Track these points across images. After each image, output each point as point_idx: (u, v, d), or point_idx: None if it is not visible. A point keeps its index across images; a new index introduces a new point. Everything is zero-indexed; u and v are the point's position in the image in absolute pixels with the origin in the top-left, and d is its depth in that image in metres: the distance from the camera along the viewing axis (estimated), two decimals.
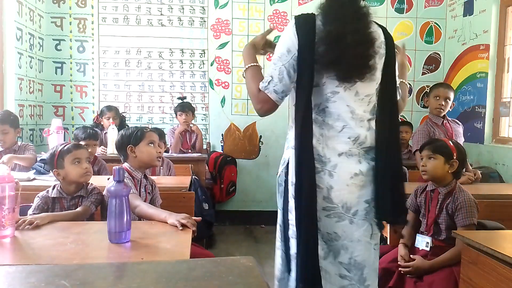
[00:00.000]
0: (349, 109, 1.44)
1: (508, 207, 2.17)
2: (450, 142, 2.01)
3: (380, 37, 1.48)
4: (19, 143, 2.89)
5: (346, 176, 1.43)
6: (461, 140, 2.85)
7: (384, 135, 1.48)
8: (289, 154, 1.50)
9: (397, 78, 1.57)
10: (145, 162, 1.96)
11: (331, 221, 1.44)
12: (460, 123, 2.96)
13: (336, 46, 1.38)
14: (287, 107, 1.69)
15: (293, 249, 1.48)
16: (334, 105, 1.44)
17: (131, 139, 1.94)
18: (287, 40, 1.49)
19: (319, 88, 1.45)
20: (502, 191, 2.46)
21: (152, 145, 1.97)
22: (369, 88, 1.47)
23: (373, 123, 1.50)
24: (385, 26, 1.56)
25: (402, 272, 1.87)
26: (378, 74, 1.47)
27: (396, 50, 1.60)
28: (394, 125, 1.52)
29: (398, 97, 1.60)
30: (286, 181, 1.50)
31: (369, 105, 1.49)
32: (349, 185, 1.43)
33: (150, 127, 3.01)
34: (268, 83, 1.53)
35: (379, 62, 1.46)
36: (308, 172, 1.40)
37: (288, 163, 1.50)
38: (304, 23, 1.45)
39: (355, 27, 1.40)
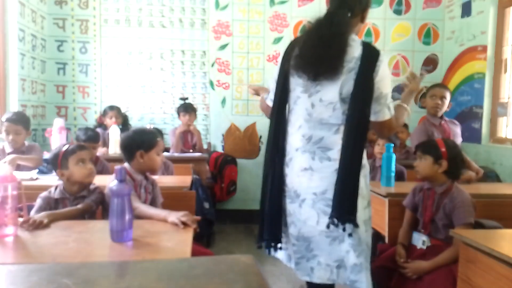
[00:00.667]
0: (307, 112, 1.68)
1: (506, 207, 2.19)
2: (443, 142, 2.01)
3: (354, 53, 1.62)
4: (26, 143, 2.90)
5: (297, 169, 1.69)
6: (458, 140, 2.86)
7: (348, 142, 1.62)
8: None
9: (389, 100, 1.68)
10: (149, 169, 1.97)
11: (286, 201, 1.73)
12: (457, 123, 2.98)
13: (300, 49, 1.66)
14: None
15: None
16: (297, 107, 1.71)
17: (143, 144, 1.93)
18: (280, 60, 1.80)
19: (290, 92, 1.73)
20: (499, 191, 2.46)
21: (159, 154, 1.98)
22: (331, 95, 1.63)
23: (341, 128, 1.65)
24: (371, 44, 1.70)
25: (402, 272, 1.89)
26: (343, 84, 1.61)
27: (409, 77, 1.88)
28: (360, 134, 1.64)
29: (390, 116, 1.69)
30: None
31: (335, 112, 1.64)
32: (299, 176, 1.68)
33: (152, 127, 3.04)
34: (268, 94, 1.88)
35: (347, 75, 1.61)
36: (277, 160, 1.72)
37: None
38: (292, 43, 1.77)
39: (320, 34, 1.62)
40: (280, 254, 1.83)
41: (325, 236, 1.66)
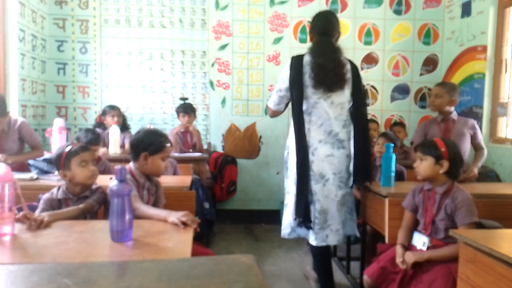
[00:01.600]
0: (326, 113, 2.29)
1: (506, 206, 2.20)
2: (442, 142, 1.99)
3: (347, 67, 2.32)
4: (12, 118, 2.80)
5: (321, 156, 2.30)
6: (462, 139, 2.78)
7: (359, 132, 2.33)
8: (290, 141, 2.42)
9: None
10: (151, 172, 1.97)
11: (311, 183, 2.31)
12: (470, 122, 2.87)
13: (322, 71, 2.24)
14: (285, 112, 2.65)
15: (285, 201, 2.48)
16: (316, 110, 2.30)
17: (149, 146, 1.92)
18: (284, 73, 2.37)
19: (307, 99, 2.30)
20: (499, 191, 2.45)
21: (165, 159, 1.98)
22: (341, 98, 2.31)
23: (348, 122, 2.34)
24: (351, 59, 2.41)
25: (403, 264, 1.89)
26: (347, 90, 2.32)
27: None
28: (364, 124, 2.38)
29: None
30: (287, 159, 2.44)
31: (342, 110, 2.33)
32: (323, 161, 2.30)
33: (152, 127, 3.03)
34: (270, 99, 2.53)
35: (347, 86, 2.31)
36: (303, 151, 2.27)
37: (289, 147, 2.42)
38: (295, 62, 2.33)
39: (333, 58, 2.27)
40: (300, 233, 2.44)
41: (338, 204, 2.33)
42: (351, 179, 2.38)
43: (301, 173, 2.27)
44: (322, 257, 2.46)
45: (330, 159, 2.29)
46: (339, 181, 2.32)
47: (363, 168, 2.34)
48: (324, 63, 2.24)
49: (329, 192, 2.31)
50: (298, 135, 2.28)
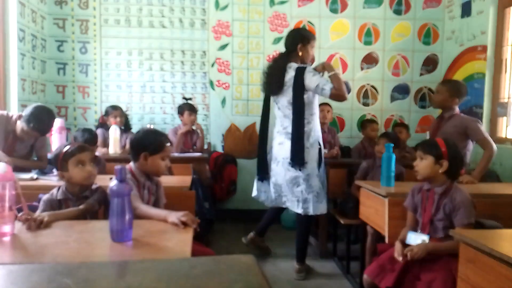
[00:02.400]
0: (278, 112, 2.95)
1: (506, 206, 2.18)
2: (443, 141, 1.98)
3: (290, 75, 2.79)
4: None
5: (276, 143, 2.96)
6: (459, 141, 2.73)
7: (294, 126, 2.82)
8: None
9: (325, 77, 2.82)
10: (152, 172, 1.97)
11: (270, 163, 3.02)
12: (461, 120, 2.84)
13: (265, 79, 2.96)
14: None
15: None
16: (275, 110, 2.98)
17: (149, 146, 1.93)
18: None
19: (272, 103, 2.99)
20: (499, 190, 2.44)
21: (165, 159, 1.98)
22: (284, 102, 2.87)
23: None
24: (301, 66, 2.81)
25: (407, 257, 1.86)
26: (288, 96, 2.82)
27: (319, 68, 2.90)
28: (299, 121, 2.81)
29: (329, 91, 2.67)
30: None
31: (289, 111, 2.84)
32: (276, 148, 2.94)
33: (152, 127, 3.03)
34: None
35: (288, 89, 2.81)
36: (264, 139, 3.06)
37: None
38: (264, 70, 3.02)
39: (271, 69, 2.90)
40: (262, 197, 3.11)
41: (289, 182, 2.86)
42: (307, 165, 2.82)
43: (261, 150, 3.06)
44: (276, 212, 3.28)
45: (280, 146, 2.90)
46: (287, 164, 2.85)
47: (293, 152, 2.82)
48: (266, 73, 2.94)
49: (279, 171, 2.91)
50: (261, 125, 3.06)
